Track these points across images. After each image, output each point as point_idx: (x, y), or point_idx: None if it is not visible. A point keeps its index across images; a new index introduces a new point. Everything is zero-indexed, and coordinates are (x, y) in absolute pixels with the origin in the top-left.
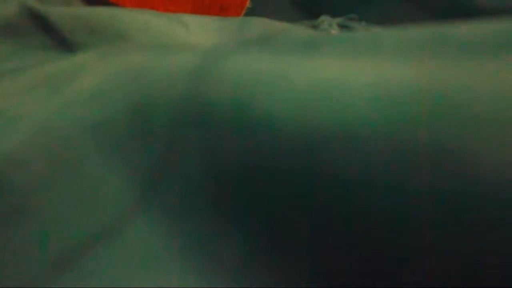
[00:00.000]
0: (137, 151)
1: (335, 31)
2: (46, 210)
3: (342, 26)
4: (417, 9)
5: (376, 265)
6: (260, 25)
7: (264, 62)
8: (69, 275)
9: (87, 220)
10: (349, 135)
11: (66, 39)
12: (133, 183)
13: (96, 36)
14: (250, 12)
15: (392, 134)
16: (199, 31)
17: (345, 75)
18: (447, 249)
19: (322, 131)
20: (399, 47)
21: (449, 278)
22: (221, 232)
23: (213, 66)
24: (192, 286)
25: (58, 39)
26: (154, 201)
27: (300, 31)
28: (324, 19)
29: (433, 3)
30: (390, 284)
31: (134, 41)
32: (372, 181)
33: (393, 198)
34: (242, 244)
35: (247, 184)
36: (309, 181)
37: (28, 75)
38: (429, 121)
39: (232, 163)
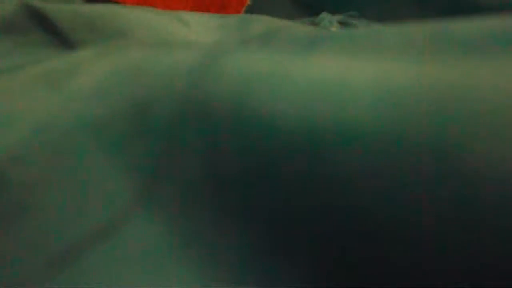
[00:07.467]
0: (137, 148)
1: (335, 28)
2: (46, 207)
3: (342, 24)
4: (418, 6)
5: (376, 265)
6: (260, 22)
7: (264, 60)
8: (68, 273)
9: (86, 218)
10: (349, 133)
11: (66, 37)
12: (133, 181)
13: (96, 34)
14: (250, 10)
15: (393, 132)
16: (200, 28)
17: (346, 73)
18: (448, 249)
19: (322, 130)
20: (400, 44)
21: (449, 278)
22: (221, 231)
23: (214, 64)
24: (192, 286)
25: (58, 37)
26: (154, 199)
27: (300, 28)
28: (325, 16)
29: (434, 0)
30: (390, 284)
31: (134, 39)
32: (372, 180)
33: (394, 197)
34: (242, 243)
35: (247, 182)
36: (309, 180)
37: (28, 72)
38: (430, 119)
39: (232, 161)
